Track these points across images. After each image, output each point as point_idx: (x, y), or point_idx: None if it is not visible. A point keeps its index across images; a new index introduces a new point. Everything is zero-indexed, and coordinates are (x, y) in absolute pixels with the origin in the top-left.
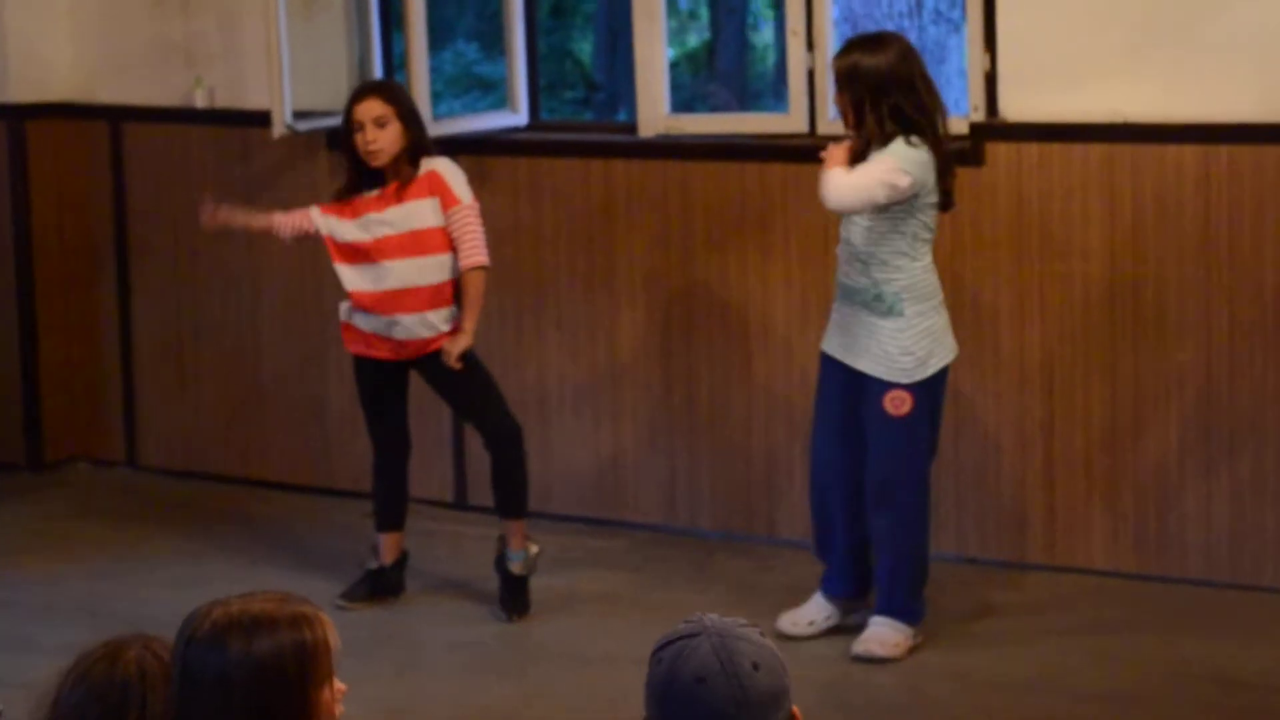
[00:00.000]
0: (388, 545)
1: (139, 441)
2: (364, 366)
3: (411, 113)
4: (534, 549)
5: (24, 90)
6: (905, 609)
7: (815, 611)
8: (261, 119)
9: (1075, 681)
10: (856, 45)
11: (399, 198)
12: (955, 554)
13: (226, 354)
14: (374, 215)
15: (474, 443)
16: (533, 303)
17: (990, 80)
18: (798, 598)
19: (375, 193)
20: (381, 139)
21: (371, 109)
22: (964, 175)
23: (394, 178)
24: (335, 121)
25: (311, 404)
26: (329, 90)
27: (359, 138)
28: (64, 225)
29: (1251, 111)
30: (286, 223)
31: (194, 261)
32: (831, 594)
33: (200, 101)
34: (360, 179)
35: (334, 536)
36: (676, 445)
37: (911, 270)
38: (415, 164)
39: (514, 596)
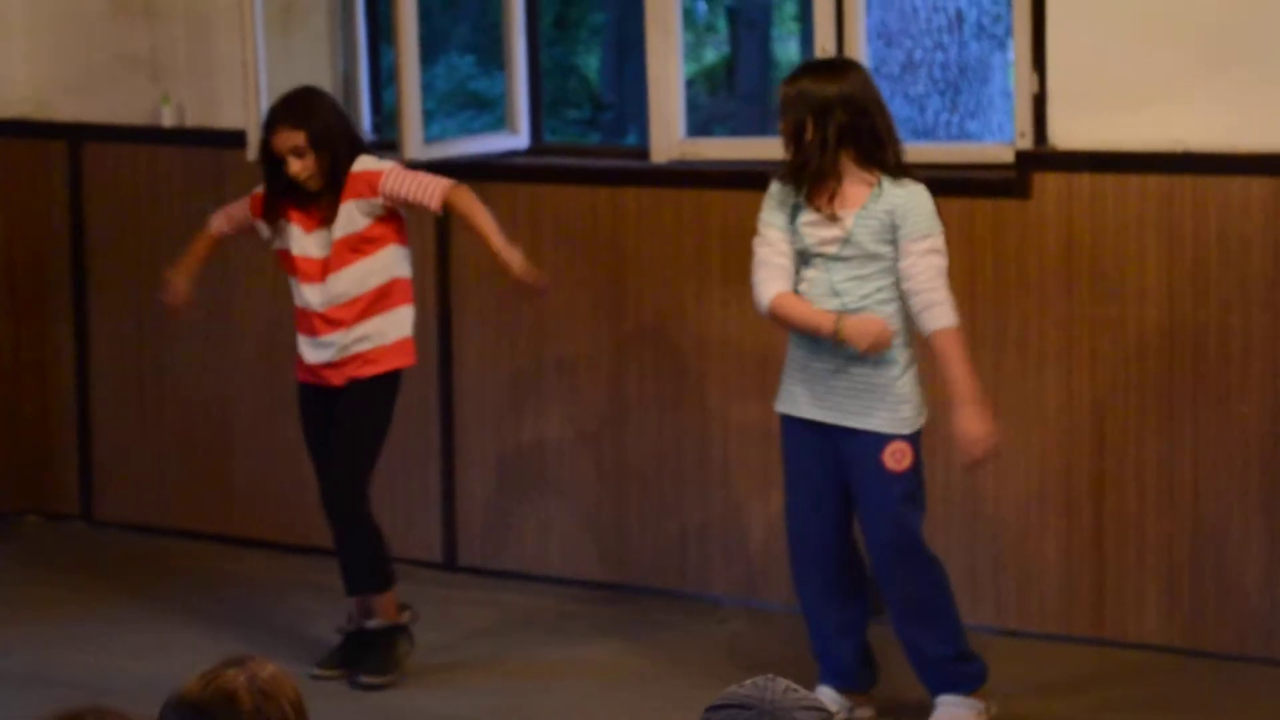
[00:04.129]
0: (361, 609)
1: (95, 494)
2: (308, 397)
3: (326, 133)
4: (406, 615)
5: None
6: (965, 675)
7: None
8: (236, 139)
9: None
10: (804, 70)
11: (327, 219)
12: (993, 626)
13: (193, 398)
14: (315, 232)
15: (465, 497)
16: (531, 344)
17: (1039, 103)
18: (813, 669)
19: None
20: (308, 166)
21: (287, 140)
22: (1009, 208)
23: (320, 202)
24: None
25: (286, 454)
26: None
27: (288, 170)
28: (16, 254)
29: None
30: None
31: (158, 295)
32: (837, 687)
33: (168, 120)
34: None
35: (309, 599)
36: (688, 502)
37: (896, 313)
38: (339, 185)
39: (365, 650)
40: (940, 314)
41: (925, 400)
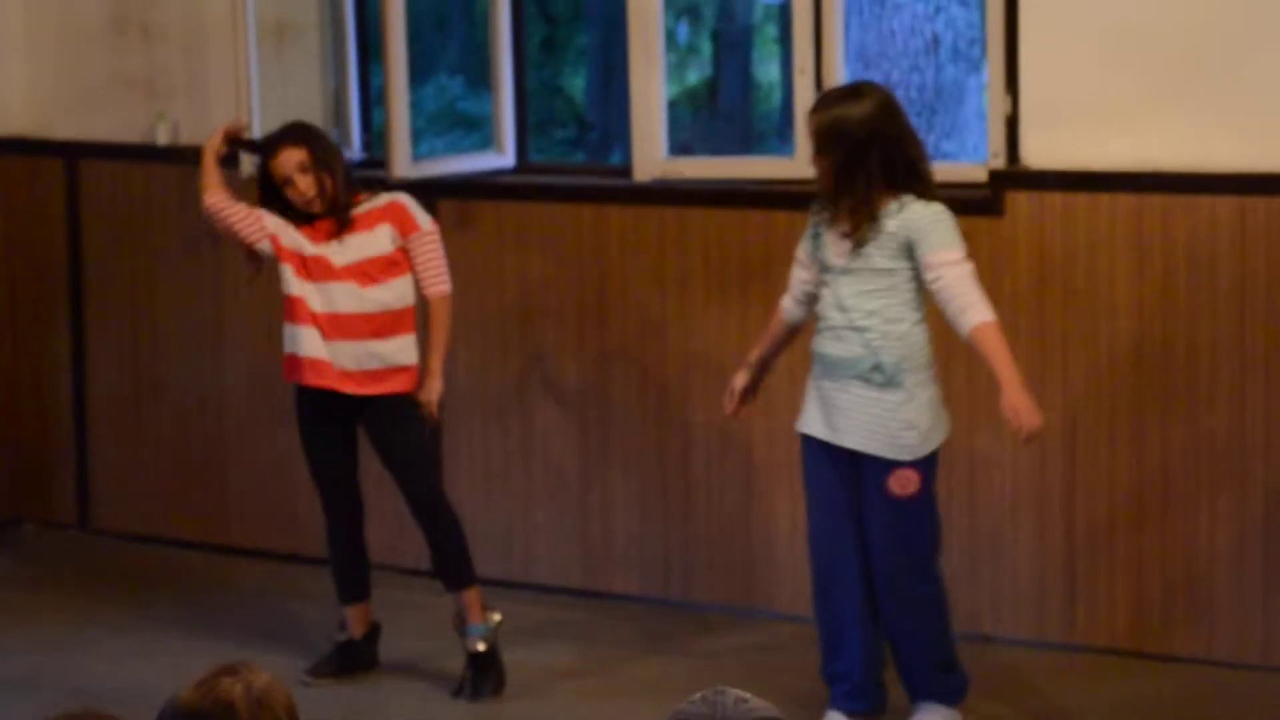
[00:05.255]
0: (354, 617)
1: (91, 502)
2: (304, 399)
3: (326, 153)
4: (495, 617)
5: None
6: (947, 688)
7: None
8: (230, 157)
9: None
10: (834, 98)
11: (343, 235)
12: (969, 631)
13: (187, 409)
14: (330, 243)
15: (456, 504)
16: (517, 358)
17: (1011, 124)
18: (802, 677)
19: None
20: (313, 185)
21: (291, 158)
22: (982, 226)
23: (325, 221)
24: None
25: (278, 464)
26: None
27: (292, 193)
28: (14, 269)
29: None
30: (239, 216)
31: (153, 309)
32: (847, 710)
33: (163, 138)
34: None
35: (302, 606)
36: (671, 512)
37: (910, 336)
38: (341, 204)
39: (483, 673)
40: (974, 312)
41: (942, 425)
